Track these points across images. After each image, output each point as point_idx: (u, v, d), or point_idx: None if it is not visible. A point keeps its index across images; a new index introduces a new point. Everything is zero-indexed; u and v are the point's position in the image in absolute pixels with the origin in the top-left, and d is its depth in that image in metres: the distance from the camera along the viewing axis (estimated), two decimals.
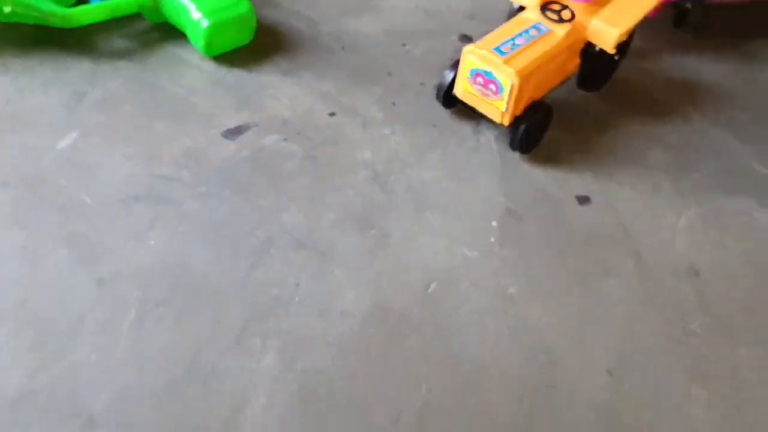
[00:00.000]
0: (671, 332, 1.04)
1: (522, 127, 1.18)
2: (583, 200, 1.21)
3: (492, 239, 1.14)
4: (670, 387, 0.98)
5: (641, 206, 1.23)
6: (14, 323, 0.97)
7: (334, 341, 0.98)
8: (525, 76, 1.11)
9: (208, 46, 1.33)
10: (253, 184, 1.18)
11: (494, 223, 1.16)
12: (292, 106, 1.32)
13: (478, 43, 1.16)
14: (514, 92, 1.12)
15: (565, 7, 1.16)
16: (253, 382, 0.93)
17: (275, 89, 1.35)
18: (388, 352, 0.98)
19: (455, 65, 1.21)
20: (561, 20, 1.15)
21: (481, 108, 1.19)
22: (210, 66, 1.37)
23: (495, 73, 1.13)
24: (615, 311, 1.06)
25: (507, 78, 1.11)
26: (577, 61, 1.23)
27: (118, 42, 1.40)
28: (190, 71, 1.36)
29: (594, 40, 1.17)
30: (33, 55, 1.34)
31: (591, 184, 1.25)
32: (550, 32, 1.15)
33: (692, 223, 1.21)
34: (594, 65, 1.27)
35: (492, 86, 1.14)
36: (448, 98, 1.26)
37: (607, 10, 1.17)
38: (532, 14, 1.18)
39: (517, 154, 1.26)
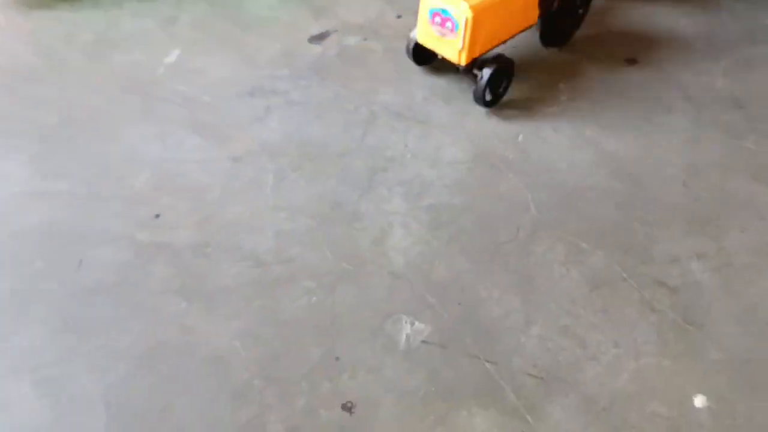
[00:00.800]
0: (729, 148, 1.23)
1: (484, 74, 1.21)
2: (631, 62, 1.40)
3: (563, 97, 1.32)
4: (736, 187, 1.16)
5: (681, 61, 1.42)
6: (168, 194, 1.11)
7: (449, 183, 1.15)
8: (479, 12, 1.14)
9: None
10: (346, 73, 1.35)
11: (561, 85, 1.35)
12: (363, 12, 1.51)
13: None
14: (469, 27, 1.15)
15: None
16: (388, 219, 1.08)
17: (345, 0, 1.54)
18: (496, 186, 1.15)
19: None
20: None
21: (440, 50, 1.23)
22: None
23: (450, 10, 1.16)
24: (679, 137, 1.25)
25: (461, 13, 1.15)
26: (536, 11, 1.26)
27: None
28: None
29: None
30: None
31: (635, 50, 1.44)
32: None
33: (728, 69, 1.40)
34: (555, 20, 1.31)
35: (449, 24, 1.18)
36: (417, 54, 1.31)
37: None
38: None
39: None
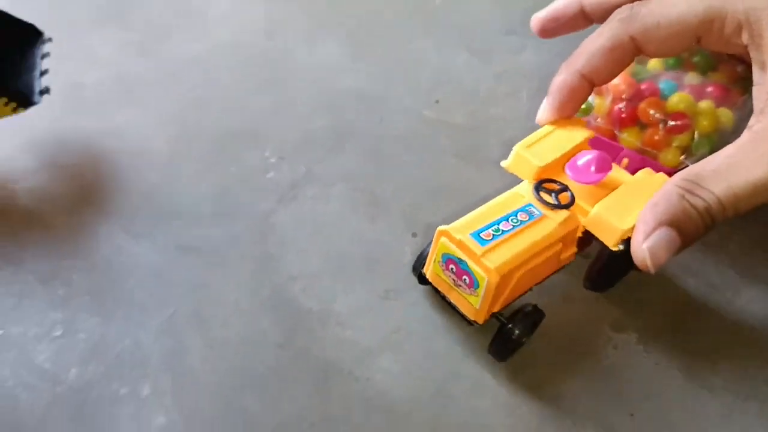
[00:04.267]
0: None
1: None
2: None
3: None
4: None
5: None
6: (444, 91, 1.33)
7: None
8: (506, 274, 0.83)
9: None
10: None
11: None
12: None
13: (456, 223, 0.87)
14: (491, 291, 0.84)
15: (564, 188, 0.85)
16: None
17: None
18: None
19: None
20: (558, 205, 0.86)
21: (453, 298, 0.87)
22: None
23: (470, 265, 0.85)
24: None
25: (484, 274, 0.83)
26: (574, 249, 0.91)
27: None
28: None
29: (593, 231, 0.84)
30: None
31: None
32: (542, 218, 0.86)
33: None
34: (602, 261, 0.92)
35: (466, 278, 0.85)
36: (424, 276, 0.90)
37: (614, 197, 0.81)
38: (525, 192, 0.89)
39: None
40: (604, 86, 0.92)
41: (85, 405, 0.66)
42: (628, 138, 0.91)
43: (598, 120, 0.94)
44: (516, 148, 0.76)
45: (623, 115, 0.91)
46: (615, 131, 0.93)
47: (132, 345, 0.71)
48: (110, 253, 0.81)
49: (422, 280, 0.84)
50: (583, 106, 0.92)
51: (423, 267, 0.82)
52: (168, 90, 1.18)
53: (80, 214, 0.85)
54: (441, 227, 0.85)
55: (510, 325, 0.86)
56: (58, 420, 0.65)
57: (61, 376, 0.69)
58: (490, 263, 0.81)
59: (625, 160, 0.91)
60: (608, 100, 0.94)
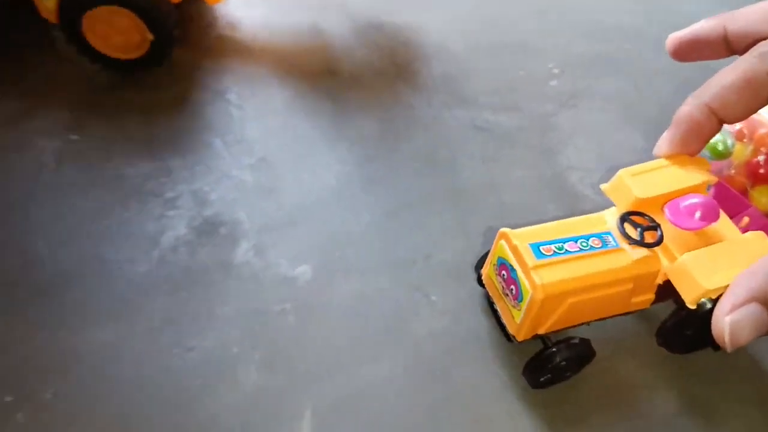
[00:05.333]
0: None
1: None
2: None
3: None
4: None
5: None
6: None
7: None
8: (554, 295, 0.74)
9: None
10: None
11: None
12: None
13: (524, 229, 0.78)
14: (534, 308, 0.75)
15: (654, 226, 0.73)
16: None
17: None
18: None
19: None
20: (640, 242, 0.74)
21: (498, 304, 0.79)
22: None
23: (519, 275, 0.76)
24: None
25: (530, 288, 0.74)
26: (651, 296, 0.78)
27: None
28: None
29: (673, 280, 0.72)
30: None
31: None
32: (617, 250, 0.75)
33: None
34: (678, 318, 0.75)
35: (513, 288, 0.77)
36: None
37: (709, 251, 0.69)
38: (610, 219, 0.77)
39: None
40: (746, 133, 0.82)
41: None
42: (760, 197, 0.79)
43: (732, 170, 0.82)
44: (620, 172, 0.67)
45: (761, 170, 0.80)
46: (746, 185, 0.81)
47: None
48: (432, 120, 0.94)
49: (481, 281, 0.77)
50: (719, 149, 0.81)
51: (482, 267, 0.74)
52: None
53: (395, 84, 1.00)
54: (503, 229, 0.76)
55: (552, 350, 0.77)
56: None
57: None
58: (538, 278, 0.73)
59: (746, 219, 0.78)
60: (749, 149, 0.81)
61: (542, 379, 0.79)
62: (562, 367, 0.78)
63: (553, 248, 0.76)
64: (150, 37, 0.99)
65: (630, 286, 0.76)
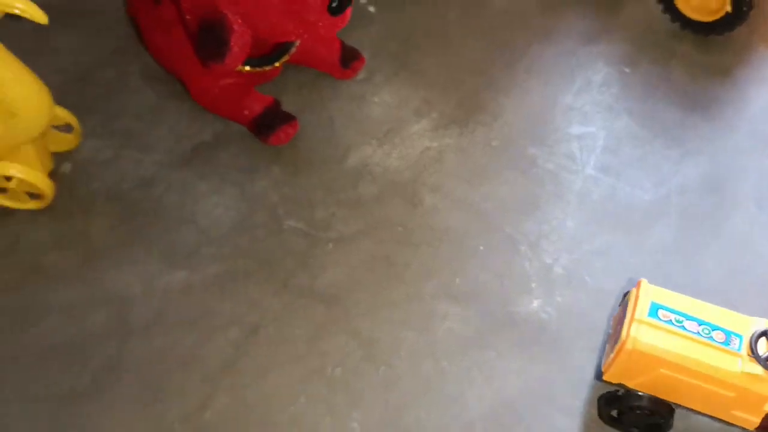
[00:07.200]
0: None
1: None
2: None
3: None
4: None
5: None
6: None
7: None
8: (641, 354, 0.76)
9: None
10: None
11: None
12: None
13: (664, 291, 0.83)
14: (621, 356, 0.78)
15: None
16: None
17: None
18: None
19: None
20: (762, 360, 0.73)
21: (610, 341, 0.85)
22: None
23: (625, 321, 0.80)
24: None
25: (626, 337, 0.78)
26: (756, 420, 0.76)
27: None
28: None
29: None
30: None
31: None
32: (734, 354, 0.75)
33: None
34: None
35: (619, 329, 0.81)
36: None
37: None
38: (752, 327, 0.77)
39: None
40: None
41: None
42: None
43: None
44: None
45: None
46: None
47: None
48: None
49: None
50: None
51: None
52: None
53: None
54: (643, 279, 0.83)
55: (637, 392, 0.80)
56: None
57: None
58: (634, 332, 0.75)
59: None
60: None
61: (612, 413, 0.85)
62: (633, 413, 0.81)
63: (673, 318, 0.81)
64: (728, 9, 1.17)
65: (731, 394, 0.76)
